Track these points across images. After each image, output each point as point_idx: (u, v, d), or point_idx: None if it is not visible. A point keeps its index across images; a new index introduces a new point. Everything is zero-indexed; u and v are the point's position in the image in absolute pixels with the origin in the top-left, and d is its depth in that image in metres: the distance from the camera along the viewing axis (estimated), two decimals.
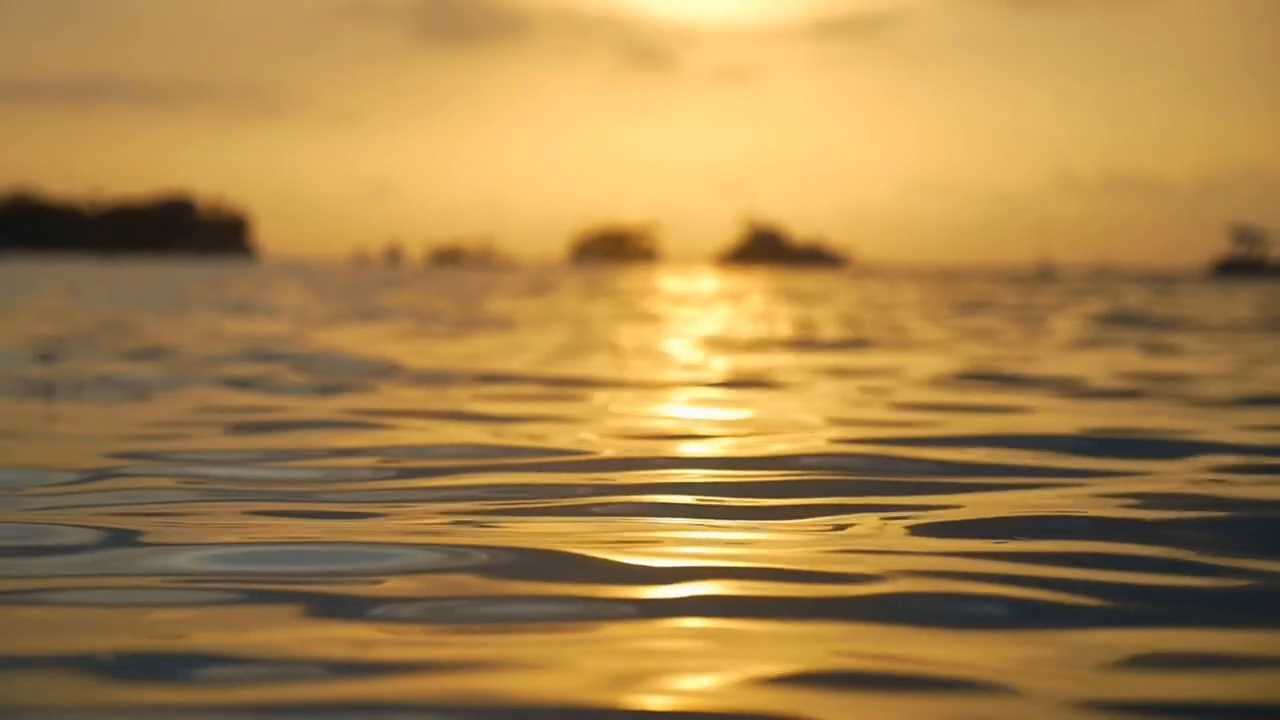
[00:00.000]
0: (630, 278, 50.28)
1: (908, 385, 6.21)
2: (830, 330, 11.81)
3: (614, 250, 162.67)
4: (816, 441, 4.08)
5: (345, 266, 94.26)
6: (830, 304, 20.15)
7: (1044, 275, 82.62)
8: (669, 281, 42.83)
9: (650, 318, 14.46)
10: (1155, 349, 9.39)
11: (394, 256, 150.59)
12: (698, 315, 15.43)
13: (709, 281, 44.39)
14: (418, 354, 8.04)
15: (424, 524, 2.75)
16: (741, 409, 5.11)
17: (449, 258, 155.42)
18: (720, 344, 9.59)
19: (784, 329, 12.03)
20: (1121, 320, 14.77)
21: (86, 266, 56.82)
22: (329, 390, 5.72)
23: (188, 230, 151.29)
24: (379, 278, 43.98)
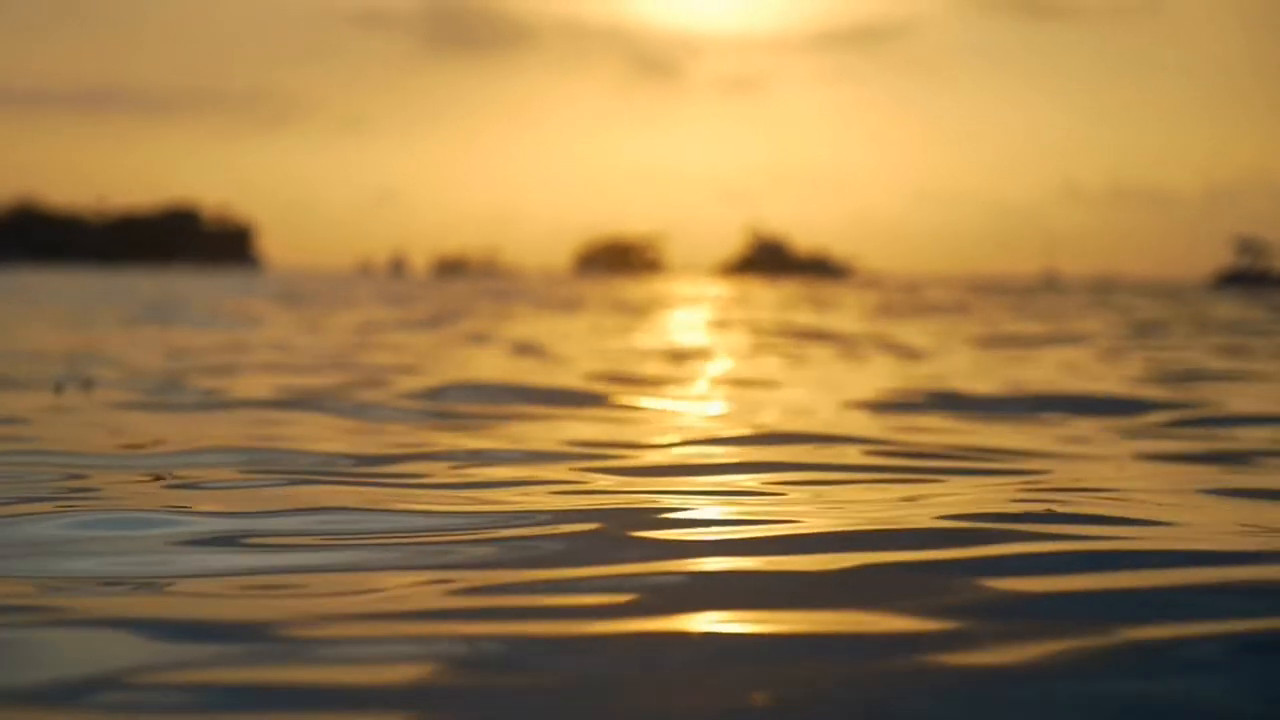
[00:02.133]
0: (646, 288, 50.05)
1: None
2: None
3: (618, 261, 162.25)
4: None
5: (351, 277, 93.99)
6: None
7: (1049, 285, 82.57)
8: (678, 288, 42.61)
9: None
10: None
11: (399, 267, 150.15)
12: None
13: (715, 289, 44.17)
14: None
15: None
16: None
17: (453, 268, 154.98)
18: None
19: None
20: None
21: (99, 277, 56.62)
22: None
23: (192, 240, 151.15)
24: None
